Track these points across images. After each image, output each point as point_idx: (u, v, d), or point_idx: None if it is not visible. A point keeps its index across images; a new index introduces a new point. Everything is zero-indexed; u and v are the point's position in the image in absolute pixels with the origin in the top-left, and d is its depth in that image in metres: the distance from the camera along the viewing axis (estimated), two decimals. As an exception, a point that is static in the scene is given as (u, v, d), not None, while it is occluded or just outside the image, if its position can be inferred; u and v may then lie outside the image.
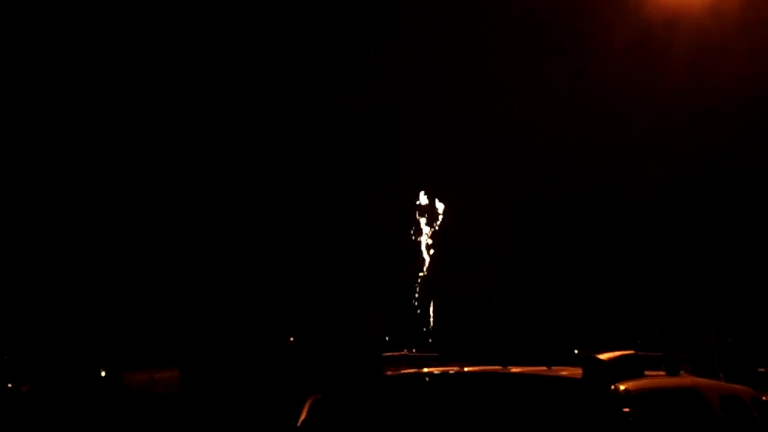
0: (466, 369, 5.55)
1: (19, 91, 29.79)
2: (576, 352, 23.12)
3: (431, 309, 36.15)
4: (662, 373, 6.03)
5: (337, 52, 29.58)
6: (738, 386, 6.61)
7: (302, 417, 6.23)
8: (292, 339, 35.70)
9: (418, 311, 36.49)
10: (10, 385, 29.78)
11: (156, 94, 30.05)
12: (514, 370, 5.43)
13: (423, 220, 32.04)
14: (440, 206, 32.80)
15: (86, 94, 30.16)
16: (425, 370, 5.71)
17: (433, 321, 35.68)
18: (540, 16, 27.79)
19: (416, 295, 36.28)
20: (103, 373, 31.48)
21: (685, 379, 6.14)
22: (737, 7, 22.83)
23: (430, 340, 33.54)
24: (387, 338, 36.50)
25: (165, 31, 29.04)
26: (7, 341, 34.05)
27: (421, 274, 35.86)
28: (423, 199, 32.86)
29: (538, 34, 28.08)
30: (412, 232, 32.47)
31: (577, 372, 5.13)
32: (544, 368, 5.36)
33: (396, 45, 29.30)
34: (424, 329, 35.44)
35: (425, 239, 32.86)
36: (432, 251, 34.13)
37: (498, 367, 5.52)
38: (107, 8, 29.17)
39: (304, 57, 29.73)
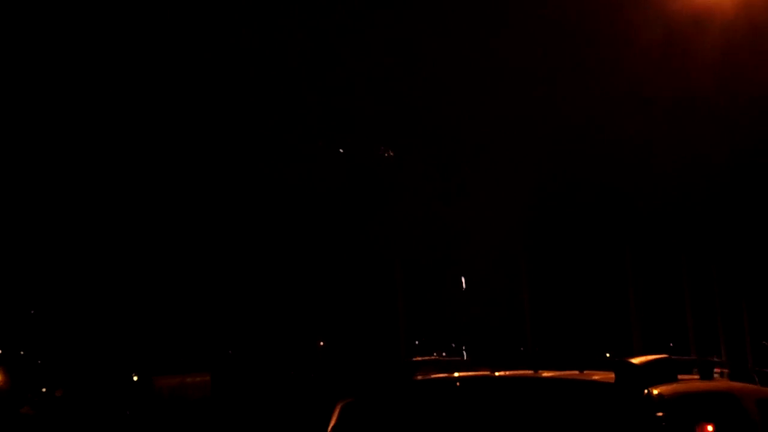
0: (496, 374, 5.51)
1: (19, 91, 30.07)
2: (608, 355, 22.92)
3: (460, 313, 36.03)
4: (696, 377, 5.95)
5: (365, 59, 29.63)
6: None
7: (332, 422, 6.23)
8: (322, 344, 35.78)
9: (448, 316, 36.40)
10: (44, 390, 30.13)
11: (205, 96, 30.21)
12: (546, 374, 5.38)
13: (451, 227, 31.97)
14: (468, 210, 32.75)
15: (90, 94, 30.37)
16: (455, 374, 5.67)
17: (463, 325, 35.58)
18: (570, 12, 27.61)
19: (446, 301, 36.19)
20: (135, 378, 31.75)
21: (719, 383, 6.05)
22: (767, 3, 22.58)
23: (457, 346, 33.45)
24: (417, 342, 36.47)
25: (179, 33, 29.18)
26: (41, 346, 34.45)
27: (450, 279, 35.78)
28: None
29: (569, 29, 27.89)
30: (440, 237, 32.40)
31: (609, 376, 5.07)
32: (576, 372, 5.31)
33: (422, 44, 29.24)
34: (454, 334, 35.36)
35: (453, 243, 32.76)
36: (461, 255, 34.03)
37: (529, 372, 5.48)
38: (107, 8, 29.36)
39: (341, 64, 29.81)
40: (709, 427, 4.82)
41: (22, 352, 34.02)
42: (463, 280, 34.91)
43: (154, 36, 29.42)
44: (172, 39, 29.33)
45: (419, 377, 5.86)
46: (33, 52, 29.85)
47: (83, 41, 29.66)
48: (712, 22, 24.83)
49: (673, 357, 5.52)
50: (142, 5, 29.42)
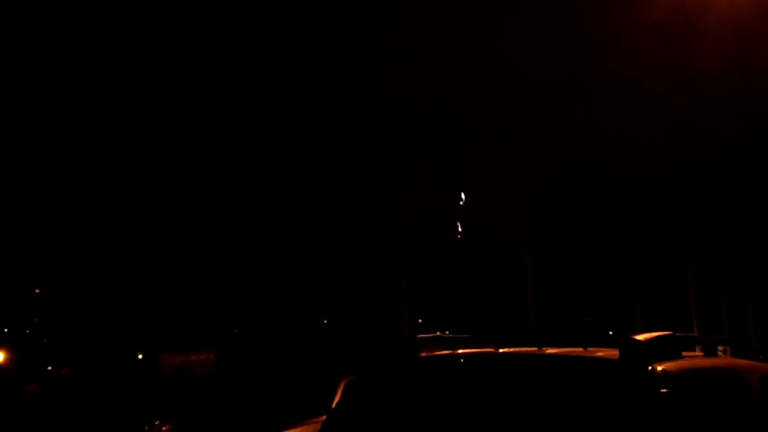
0: (501, 351, 5.53)
1: (19, 91, 30.12)
2: (611, 333, 22.96)
3: (463, 291, 36.09)
4: (700, 354, 5.96)
5: (368, 49, 29.56)
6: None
7: (336, 399, 6.26)
8: (325, 321, 35.89)
9: (451, 294, 36.46)
10: (50, 368, 30.31)
11: (199, 95, 30.28)
12: (550, 351, 5.40)
13: (456, 205, 31.99)
14: (473, 190, 32.73)
15: (90, 95, 30.45)
16: (460, 351, 5.69)
17: (467, 304, 35.63)
18: (575, 8, 27.52)
19: (449, 278, 36.23)
20: (140, 356, 31.91)
21: (723, 360, 6.07)
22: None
23: (460, 324, 33.49)
24: (420, 320, 36.54)
25: (179, 33, 29.18)
26: (46, 325, 34.61)
27: (453, 256, 35.82)
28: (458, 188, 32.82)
29: (571, 18, 27.76)
30: (444, 216, 32.42)
31: (613, 353, 5.08)
32: (580, 349, 5.32)
33: (425, 41, 29.16)
34: (455, 313, 35.42)
35: (458, 223, 32.79)
36: (465, 234, 34.05)
37: (533, 349, 5.49)
38: (107, 8, 29.31)
39: (341, 54, 29.75)
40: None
41: (27, 331, 34.19)
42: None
43: (154, 36, 29.40)
44: (172, 39, 29.32)
45: (423, 354, 5.88)
46: (33, 52, 29.83)
47: (83, 41, 29.64)
48: (715, 7, 24.67)
49: (677, 334, 5.53)
50: (142, 5, 29.39)
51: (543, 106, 29.33)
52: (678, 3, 25.36)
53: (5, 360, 31.15)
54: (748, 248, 32.85)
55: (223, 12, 29.34)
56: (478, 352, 5.61)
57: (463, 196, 31.11)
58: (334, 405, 6.00)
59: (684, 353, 5.50)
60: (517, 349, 5.55)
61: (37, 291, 34.89)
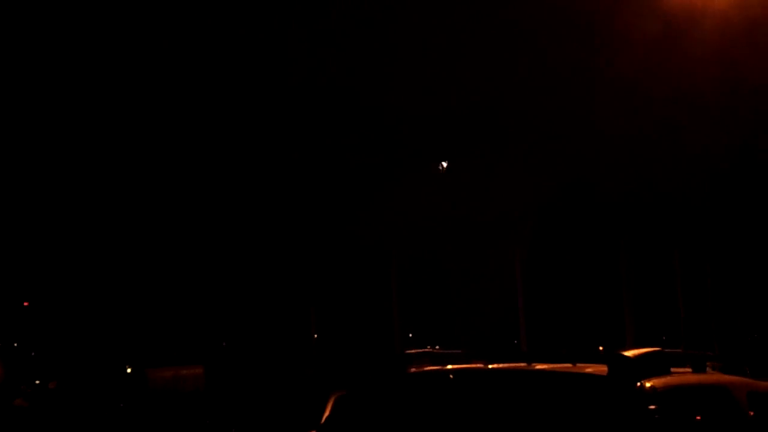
0: (490, 366, 5.53)
1: (19, 91, 30.06)
2: (601, 349, 22.98)
3: (454, 306, 36.07)
4: (689, 370, 5.97)
5: (364, 52, 29.63)
6: (765, 383, 6.53)
7: (326, 414, 6.24)
8: (316, 336, 35.79)
9: (442, 309, 36.43)
10: (38, 382, 30.10)
11: (188, 96, 30.25)
12: (539, 367, 5.40)
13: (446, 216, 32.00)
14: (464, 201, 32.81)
15: (91, 95, 30.42)
16: (449, 367, 5.69)
17: (457, 318, 35.61)
18: (568, 8, 27.62)
19: (439, 293, 36.22)
20: (128, 370, 31.73)
21: (711, 376, 6.08)
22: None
23: (450, 339, 33.46)
24: (410, 335, 36.49)
25: (178, 33, 29.21)
26: (35, 339, 34.41)
27: (443, 271, 35.80)
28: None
29: (564, 24, 27.88)
30: (436, 230, 32.43)
31: (602, 369, 5.09)
32: (570, 365, 5.33)
33: (421, 38, 29.24)
34: (447, 327, 35.39)
35: (449, 237, 32.79)
36: (455, 247, 34.05)
37: (523, 364, 5.49)
38: (108, 7, 29.33)
39: (335, 57, 29.82)
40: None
41: (15, 344, 34.00)
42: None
43: (155, 36, 29.44)
44: (172, 39, 29.35)
45: (413, 369, 5.88)
46: (33, 52, 29.83)
47: (88, 42, 29.65)
48: (708, 17, 24.86)
49: (665, 350, 5.55)
50: (143, 5, 29.44)
51: (532, 117, 29.42)
52: (676, 12, 25.54)
53: (-7, 373, 30.96)
54: (738, 262, 32.96)
55: (226, 11, 29.38)
56: (468, 367, 5.61)
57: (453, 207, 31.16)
58: (323, 420, 5.99)
59: (673, 369, 5.51)
60: (506, 365, 5.55)
61: (25, 304, 34.72)
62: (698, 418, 4.87)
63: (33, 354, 34.75)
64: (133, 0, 29.72)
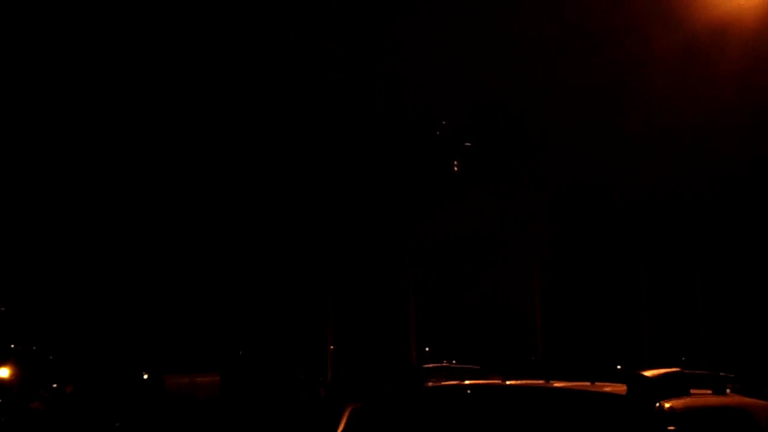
0: (508, 382, 5.50)
1: (19, 91, 30.23)
2: (619, 368, 22.80)
3: (471, 321, 35.93)
4: (708, 391, 5.91)
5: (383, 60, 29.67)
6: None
7: (341, 426, 6.22)
8: (332, 347, 35.76)
9: (458, 323, 36.31)
10: (55, 385, 30.26)
11: (206, 97, 30.35)
12: (557, 384, 5.36)
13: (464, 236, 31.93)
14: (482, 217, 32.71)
15: (92, 95, 30.53)
16: (466, 382, 5.66)
17: (473, 333, 35.47)
18: (589, 24, 27.58)
19: (456, 307, 36.10)
20: (145, 376, 31.84)
21: (731, 398, 6.01)
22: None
23: (467, 353, 33.31)
24: (427, 349, 36.37)
25: (178, 33, 29.28)
26: (53, 343, 34.61)
27: (461, 285, 35.70)
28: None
29: (587, 41, 27.84)
30: (453, 244, 32.36)
31: (621, 389, 5.05)
32: (588, 384, 5.28)
33: (431, 43, 29.27)
34: (464, 341, 35.25)
35: (467, 253, 32.71)
36: (473, 262, 33.95)
37: (540, 382, 5.46)
38: (113, 9, 29.47)
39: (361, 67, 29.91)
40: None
41: (34, 348, 34.23)
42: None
43: (156, 37, 29.56)
44: (172, 39, 29.47)
45: (430, 383, 5.86)
46: (33, 52, 30.03)
47: (88, 42, 29.81)
48: (732, 33, 24.73)
49: (685, 371, 5.49)
50: (143, 6, 29.58)
51: (553, 127, 29.36)
52: (699, 23, 25.43)
53: (11, 376, 31.17)
54: (761, 283, 32.62)
55: (231, 10, 29.48)
56: (485, 383, 5.58)
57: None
58: (338, 432, 5.97)
59: (692, 390, 5.45)
60: (523, 382, 5.52)
61: (45, 309, 34.95)
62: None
63: (51, 357, 34.93)
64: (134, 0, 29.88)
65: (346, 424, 5.90)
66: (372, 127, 30.32)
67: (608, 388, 5.17)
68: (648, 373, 5.10)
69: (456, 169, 31.99)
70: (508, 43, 28.56)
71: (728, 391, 6.14)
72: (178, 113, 30.76)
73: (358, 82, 29.78)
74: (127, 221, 32.13)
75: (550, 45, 28.09)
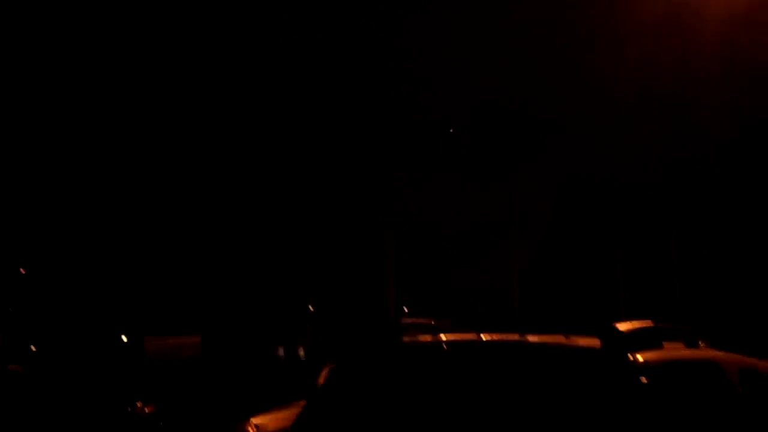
0: (483, 337, 5.55)
1: (19, 91, 29.98)
2: (593, 321, 23.08)
3: (449, 279, 36.20)
4: (681, 344, 6.00)
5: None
6: (758, 360, 6.57)
7: (319, 384, 6.26)
8: (312, 309, 35.93)
9: (436, 281, 36.57)
10: (33, 348, 30.21)
11: (197, 90, 30.23)
12: (532, 339, 5.43)
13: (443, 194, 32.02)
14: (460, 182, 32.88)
15: (92, 95, 30.37)
16: (442, 337, 5.71)
17: (451, 291, 35.73)
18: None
19: (434, 265, 36.33)
20: (124, 338, 31.84)
21: (703, 352, 6.11)
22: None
23: (444, 310, 33.65)
24: (406, 309, 36.62)
25: (178, 32, 29.11)
26: (31, 305, 34.48)
27: (440, 246, 35.90)
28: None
29: (559, 13, 27.75)
30: (431, 204, 32.47)
31: (595, 342, 5.12)
32: (562, 337, 5.35)
33: (420, 34, 29.15)
34: (442, 301, 35.57)
35: (445, 212, 32.83)
36: (451, 224, 34.10)
37: (515, 336, 5.52)
38: (108, 7, 29.18)
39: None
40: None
41: (11, 310, 34.07)
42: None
43: (153, 36, 29.30)
44: (172, 38, 29.24)
45: (406, 339, 5.90)
46: (33, 52, 29.69)
47: (85, 41, 29.51)
48: (712, 5, 24.73)
49: (658, 324, 5.57)
50: (144, 5, 29.28)
51: (536, 106, 29.38)
52: (679, 1, 25.43)
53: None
54: (734, 240, 33.01)
55: (220, 8, 29.28)
56: (461, 338, 5.63)
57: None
58: (317, 392, 6.02)
59: (665, 344, 5.53)
60: (499, 336, 5.57)
61: (22, 271, 34.77)
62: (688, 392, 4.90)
63: (29, 320, 34.83)
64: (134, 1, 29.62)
65: (324, 382, 5.95)
66: (364, 112, 30.33)
67: (582, 341, 5.24)
68: (621, 326, 5.17)
69: (451, 130, 31.97)
70: (481, 32, 28.46)
71: (701, 344, 6.24)
72: (163, 104, 30.65)
73: (354, 70, 29.75)
74: (107, 189, 31.98)
75: (526, 28, 27.98)
